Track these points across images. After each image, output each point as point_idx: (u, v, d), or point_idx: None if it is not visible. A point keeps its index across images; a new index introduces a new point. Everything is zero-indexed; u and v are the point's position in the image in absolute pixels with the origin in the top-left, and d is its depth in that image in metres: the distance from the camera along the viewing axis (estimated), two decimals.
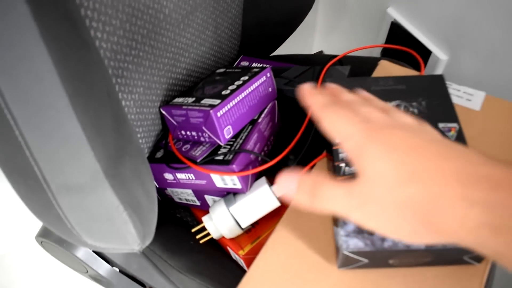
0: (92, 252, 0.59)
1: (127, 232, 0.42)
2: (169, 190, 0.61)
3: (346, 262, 0.41)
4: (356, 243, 0.39)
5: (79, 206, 0.38)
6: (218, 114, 0.51)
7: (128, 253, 0.61)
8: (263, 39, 0.78)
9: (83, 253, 0.58)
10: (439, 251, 0.39)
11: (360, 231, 0.40)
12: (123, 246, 0.44)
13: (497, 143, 0.50)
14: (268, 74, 0.58)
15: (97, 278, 0.63)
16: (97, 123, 0.35)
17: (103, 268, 0.59)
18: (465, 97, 0.56)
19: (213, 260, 0.58)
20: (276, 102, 0.61)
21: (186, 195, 0.60)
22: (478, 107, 0.55)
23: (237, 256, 0.55)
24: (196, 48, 0.61)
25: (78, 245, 0.58)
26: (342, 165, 0.43)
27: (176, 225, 0.63)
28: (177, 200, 0.63)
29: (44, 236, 0.59)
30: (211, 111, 0.50)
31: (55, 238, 0.58)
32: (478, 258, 0.41)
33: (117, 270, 0.61)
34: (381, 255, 0.40)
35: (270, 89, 0.59)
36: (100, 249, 0.44)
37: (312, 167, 0.50)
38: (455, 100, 0.55)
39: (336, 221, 0.42)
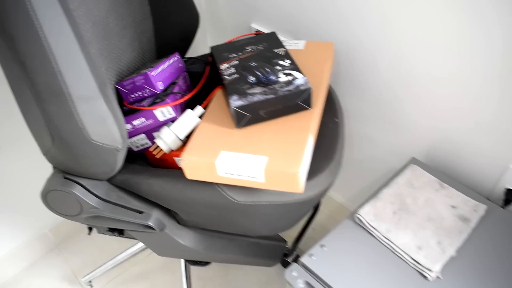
0: (85, 190, 0.88)
1: (114, 131, 0.75)
2: (129, 142, 0.93)
3: (238, 119, 0.78)
4: (238, 102, 0.76)
5: (88, 111, 0.71)
6: (153, 73, 0.87)
7: (108, 187, 0.91)
8: (175, 47, 1.15)
9: (78, 189, 0.86)
10: (282, 97, 0.77)
11: (241, 97, 0.77)
12: (112, 142, 0.77)
13: (313, 64, 0.92)
14: (178, 56, 0.96)
15: (87, 218, 0.91)
16: (92, 65, 0.70)
17: (93, 200, 0.88)
18: (294, 45, 0.98)
19: (168, 170, 0.90)
20: (186, 73, 0.98)
21: (141, 140, 0.93)
22: (302, 47, 0.97)
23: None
24: (131, 51, 0.98)
25: (76, 181, 0.87)
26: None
27: (140, 165, 0.95)
28: (136, 149, 0.95)
29: (49, 187, 0.87)
30: (148, 72, 0.86)
31: (59, 182, 0.86)
32: (308, 103, 0.79)
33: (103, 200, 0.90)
34: (254, 107, 0.77)
35: (180, 65, 0.97)
36: (99, 146, 0.75)
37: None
38: (288, 47, 0.97)
39: (227, 97, 0.79)
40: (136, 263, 1.38)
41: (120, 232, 1.00)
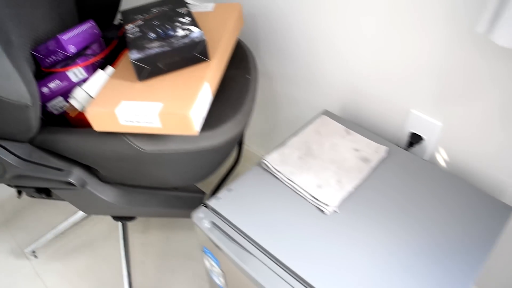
0: (5, 150, 0.92)
1: (20, 87, 0.79)
2: (49, 106, 0.98)
3: (138, 72, 0.83)
4: (136, 55, 0.81)
5: None
6: (64, 37, 0.91)
7: (30, 148, 0.95)
8: (99, 17, 1.19)
9: (0, 151, 0.90)
10: (178, 49, 0.81)
11: (140, 51, 0.82)
12: (20, 99, 0.81)
13: (218, 22, 0.97)
14: (92, 23, 1.01)
15: (11, 178, 0.95)
16: None
17: (15, 160, 0.92)
18: (203, 8, 1.03)
19: (84, 129, 0.94)
20: (102, 39, 1.02)
21: (60, 103, 0.97)
22: (211, 9, 1.02)
23: None
24: (50, 21, 1.02)
25: None
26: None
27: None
28: (56, 112, 0.99)
29: None
30: (58, 36, 0.91)
31: None
32: (205, 55, 0.85)
33: (24, 160, 0.94)
34: (152, 59, 0.82)
35: (95, 31, 1.01)
36: (6, 102, 0.79)
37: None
38: (197, 9, 1.02)
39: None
40: (80, 234, 1.43)
41: (48, 194, 1.04)
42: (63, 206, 1.52)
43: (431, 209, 0.83)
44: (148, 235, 1.41)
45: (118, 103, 0.80)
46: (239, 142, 1.17)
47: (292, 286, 0.73)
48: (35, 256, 1.35)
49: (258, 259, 0.77)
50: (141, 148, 0.84)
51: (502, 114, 0.83)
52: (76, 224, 1.45)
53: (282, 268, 0.75)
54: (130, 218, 1.21)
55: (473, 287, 0.90)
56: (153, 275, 1.30)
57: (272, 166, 0.91)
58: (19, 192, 1.06)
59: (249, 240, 0.79)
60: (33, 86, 0.82)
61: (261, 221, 0.81)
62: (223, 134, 0.89)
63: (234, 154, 1.50)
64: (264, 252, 0.77)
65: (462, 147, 0.93)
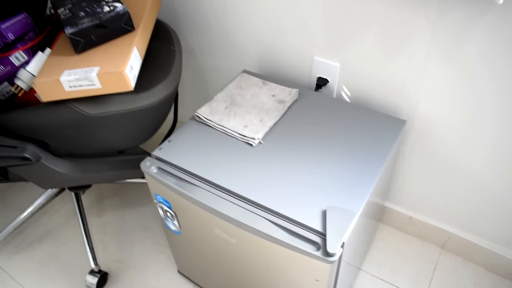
0: None
1: None
2: None
3: (75, 45, 0.95)
4: (71, 30, 0.94)
5: None
6: (3, 26, 1.02)
7: None
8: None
9: None
10: (106, 21, 0.95)
11: (73, 26, 0.94)
12: None
13: (139, 1, 1.11)
14: (25, 14, 1.12)
15: None
16: None
17: None
18: None
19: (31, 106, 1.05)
20: (36, 28, 1.14)
21: (5, 88, 1.08)
22: None
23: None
24: None
25: None
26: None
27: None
28: (3, 97, 1.09)
29: None
30: None
31: None
32: (131, 25, 0.99)
33: None
34: (85, 32, 0.95)
35: (29, 21, 1.12)
36: None
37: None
38: None
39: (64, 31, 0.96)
40: (37, 227, 1.50)
41: (5, 177, 1.13)
42: (15, 204, 1.59)
43: (339, 131, 1.02)
44: (104, 217, 1.51)
45: (61, 73, 0.92)
46: (175, 106, 1.31)
47: (233, 203, 0.88)
48: None
49: (202, 188, 0.91)
50: (86, 113, 0.97)
51: (382, 46, 1.03)
52: (32, 217, 1.52)
53: (222, 191, 0.90)
54: (85, 188, 1.31)
55: (372, 187, 1.09)
56: (114, 249, 1.41)
57: (204, 117, 1.06)
58: None
59: (191, 175, 0.94)
60: None
61: (200, 160, 0.96)
62: (157, 94, 1.03)
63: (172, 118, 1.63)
64: (206, 182, 0.92)
65: (360, 81, 1.13)
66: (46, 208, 1.56)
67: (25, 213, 1.40)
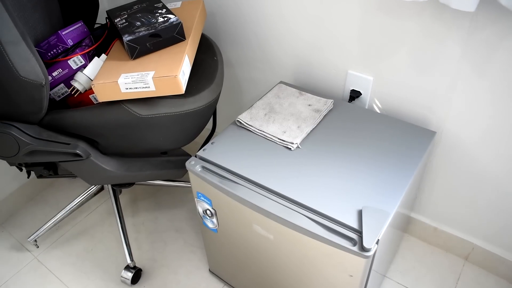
0: (19, 130, 1.09)
1: (37, 69, 0.99)
2: (52, 93, 1.17)
3: (131, 52, 1.04)
4: (129, 37, 1.03)
5: (15, 52, 0.95)
6: (63, 33, 1.12)
7: (39, 129, 1.13)
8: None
9: (14, 130, 1.08)
10: (161, 30, 1.04)
11: (130, 34, 1.03)
12: (37, 78, 1.00)
13: (186, 14, 1.20)
14: (82, 23, 1.22)
15: (24, 155, 1.12)
16: (13, 17, 0.94)
17: (28, 138, 1.10)
18: (173, 5, 1.26)
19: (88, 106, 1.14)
20: (91, 36, 1.23)
21: (61, 90, 1.17)
22: (179, 6, 1.25)
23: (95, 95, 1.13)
24: (44, 25, 1.22)
25: (12, 124, 1.08)
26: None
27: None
28: (58, 99, 1.18)
29: None
30: (59, 32, 1.11)
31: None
32: (183, 35, 1.07)
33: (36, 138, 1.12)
34: (141, 40, 1.03)
35: (85, 29, 1.22)
36: (27, 82, 0.99)
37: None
38: (169, 6, 1.25)
39: (121, 39, 1.05)
40: (74, 225, 1.58)
41: (55, 172, 1.22)
42: (55, 203, 1.67)
43: (371, 140, 1.08)
44: (138, 217, 1.58)
45: (118, 76, 1.00)
46: (213, 113, 1.38)
47: (273, 200, 0.94)
48: (37, 246, 1.50)
49: (244, 186, 0.98)
50: (138, 114, 1.05)
51: (414, 61, 1.10)
52: (70, 215, 1.60)
53: (263, 189, 0.97)
54: (128, 185, 1.39)
55: (405, 191, 1.14)
56: (147, 248, 1.47)
57: (245, 122, 1.13)
58: (28, 173, 1.23)
59: (233, 174, 1.00)
60: (45, 68, 1.02)
61: (242, 161, 1.03)
62: (202, 99, 1.11)
63: (211, 125, 1.71)
64: (247, 181, 0.99)
65: (391, 94, 1.19)
66: (83, 207, 1.64)
67: (64, 211, 1.48)
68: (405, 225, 1.35)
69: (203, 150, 1.07)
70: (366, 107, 1.26)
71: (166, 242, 1.48)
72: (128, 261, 1.34)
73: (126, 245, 1.36)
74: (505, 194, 1.17)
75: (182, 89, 0.99)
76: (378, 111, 1.25)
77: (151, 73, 0.98)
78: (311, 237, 0.89)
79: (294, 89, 1.24)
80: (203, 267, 1.39)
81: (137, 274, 1.36)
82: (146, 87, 0.99)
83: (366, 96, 1.24)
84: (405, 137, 1.08)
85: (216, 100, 1.17)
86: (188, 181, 1.59)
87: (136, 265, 1.41)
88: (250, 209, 0.96)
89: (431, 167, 1.27)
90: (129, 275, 1.33)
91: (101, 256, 1.45)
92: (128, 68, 1.03)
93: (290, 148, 1.05)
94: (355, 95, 1.25)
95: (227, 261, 1.23)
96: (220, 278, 1.35)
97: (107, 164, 1.16)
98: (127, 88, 0.99)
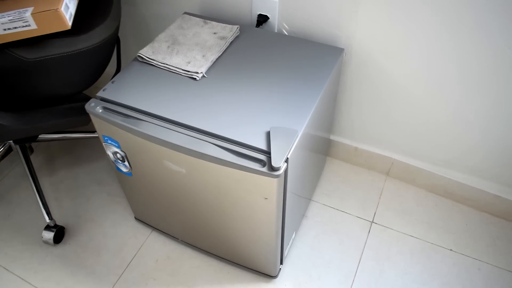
0: None
1: None
2: None
3: None
4: None
5: None
6: None
7: None
8: None
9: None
10: None
11: None
12: None
13: None
14: None
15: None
16: None
17: None
18: None
19: None
20: None
21: None
22: None
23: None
24: None
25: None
26: None
27: None
28: None
29: None
30: None
31: None
32: None
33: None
34: None
35: None
36: None
37: None
38: None
39: None
40: None
41: None
42: None
43: (279, 62, 1.05)
44: (56, 176, 1.50)
45: None
46: (118, 52, 1.30)
47: (180, 133, 0.90)
48: None
49: (149, 122, 0.92)
50: (24, 57, 0.95)
51: None
52: None
53: (169, 123, 0.92)
54: (32, 140, 1.30)
55: (313, 108, 1.12)
56: (69, 205, 1.41)
57: (146, 57, 1.06)
58: None
59: (137, 111, 0.95)
60: None
61: (145, 97, 0.97)
62: (97, 36, 1.03)
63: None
64: (152, 116, 0.93)
65: (298, 15, 1.16)
66: None
67: None
68: (325, 148, 1.37)
69: (103, 90, 1.00)
70: (275, 31, 1.22)
71: (89, 196, 1.42)
72: (47, 220, 1.27)
73: (43, 204, 1.29)
74: (415, 106, 1.20)
75: (68, 24, 0.90)
76: (287, 34, 1.22)
77: (30, 9, 0.88)
78: (222, 164, 0.86)
79: (199, 19, 1.18)
80: (129, 216, 1.35)
81: (60, 232, 1.30)
82: (26, 26, 0.89)
83: (274, 19, 1.20)
84: (313, 56, 1.06)
85: (113, 37, 1.09)
86: None
87: (59, 223, 1.35)
88: (158, 145, 0.91)
89: (345, 87, 1.27)
90: (50, 234, 1.27)
91: (20, 221, 1.37)
92: (4, 7, 0.92)
93: (195, 78, 1.01)
94: (262, 19, 1.21)
95: (149, 206, 1.19)
96: (147, 224, 1.32)
97: (2, 119, 1.06)
98: (5, 29, 0.89)
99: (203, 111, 0.92)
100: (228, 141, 0.87)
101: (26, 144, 1.37)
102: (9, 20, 0.88)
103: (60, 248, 1.29)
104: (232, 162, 0.84)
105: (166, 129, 0.90)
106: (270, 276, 1.20)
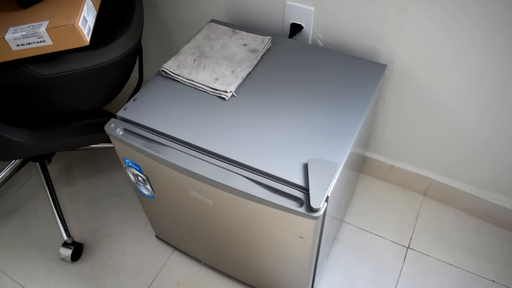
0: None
1: None
2: None
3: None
4: None
5: None
6: None
7: None
8: None
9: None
10: None
11: None
12: None
13: None
14: None
15: None
16: None
17: None
18: None
19: None
20: None
21: None
22: None
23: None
24: None
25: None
26: None
27: None
28: None
29: None
30: None
31: None
32: None
33: None
34: None
35: None
36: None
37: None
38: None
39: None
40: (4, 201, 1.42)
41: None
42: None
43: (316, 79, 0.95)
44: (74, 186, 1.43)
45: (6, 30, 0.82)
46: (139, 63, 1.21)
47: (207, 162, 0.81)
48: None
49: (173, 148, 0.84)
50: (39, 74, 0.87)
51: None
52: None
53: (195, 150, 0.84)
54: (49, 156, 1.23)
55: (355, 136, 1.04)
56: (87, 219, 1.34)
57: (171, 71, 0.97)
58: None
59: (160, 135, 0.87)
60: None
61: (169, 118, 0.88)
62: (117, 49, 0.94)
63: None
64: (177, 141, 0.85)
65: (336, 25, 1.05)
66: (11, 181, 1.47)
67: None
68: (360, 165, 1.27)
69: (124, 109, 0.92)
70: (310, 43, 1.12)
71: (107, 209, 1.35)
72: (65, 237, 1.21)
73: (61, 220, 1.23)
74: (459, 125, 1.09)
75: (86, 40, 0.82)
76: (323, 46, 1.11)
77: (45, 23, 0.80)
78: (253, 200, 0.77)
79: (227, 28, 1.09)
80: (149, 233, 1.28)
81: (78, 250, 1.23)
82: (40, 41, 0.81)
83: (308, 29, 1.10)
84: (353, 73, 0.96)
85: (135, 48, 1.00)
86: None
87: (77, 239, 1.29)
88: (182, 174, 0.83)
89: (384, 103, 1.16)
90: (68, 252, 1.21)
91: (37, 234, 1.31)
92: (18, 20, 0.85)
93: (224, 98, 0.92)
94: (296, 29, 1.11)
95: (172, 227, 1.12)
96: (168, 243, 1.25)
97: (17, 136, 0.99)
98: (18, 45, 0.82)
99: (232, 137, 0.83)
100: (260, 173, 0.79)
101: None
102: (22, 35, 0.80)
103: (77, 265, 1.23)
104: (265, 200, 0.76)
105: (192, 157, 0.82)
106: None
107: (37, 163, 1.29)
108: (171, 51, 1.44)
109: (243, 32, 1.07)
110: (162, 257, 1.23)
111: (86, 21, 0.83)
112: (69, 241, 1.22)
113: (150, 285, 1.18)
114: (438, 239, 1.24)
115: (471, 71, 0.96)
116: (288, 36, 1.14)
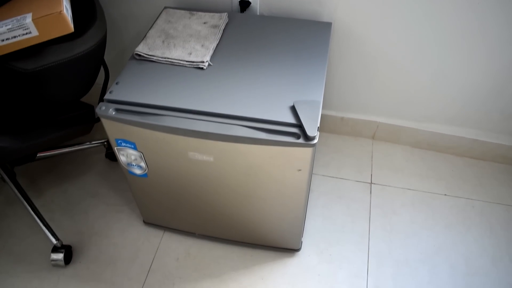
0: None
1: None
2: None
3: None
4: None
5: None
6: None
7: None
8: None
9: None
10: None
11: None
12: None
13: None
14: None
15: None
16: None
17: None
18: None
19: None
20: None
21: None
22: None
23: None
24: None
25: None
26: None
27: None
28: None
29: None
30: None
31: None
32: None
33: None
34: None
35: None
36: None
37: None
38: None
39: None
40: None
41: None
42: None
43: (276, 43, 1.08)
44: (45, 196, 1.42)
45: None
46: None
47: (206, 121, 0.90)
48: None
49: (168, 116, 0.92)
50: (23, 69, 0.90)
51: None
52: None
53: (190, 113, 0.92)
54: (30, 159, 1.23)
55: (324, 80, 1.16)
56: (69, 224, 1.35)
57: (144, 53, 1.04)
58: None
59: (153, 107, 0.93)
60: None
61: (156, 92, 0.95)
62: (91, 38, 0.99)
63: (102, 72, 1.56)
64: (171, 110, 0.93)
65: None
66: None
67: None
68: None
69: (110, 92, 0.97)
70: (258, 14, 1.24)
71: (87, 211, 1.37)
72: (54, 241, 1.22)
73: (45, 225, 1.23)
74: (398, 71, 1.28)
75: (71, 27, 0.87)
76: (271, 15, 1.25)
77: (29, 15, 0.84)
78: (256, 143, 0.88)
79: (183, 11, 1.18)
80: (136, 222, 1.33)
81: (68, 252, 1.24)
82: (26, 33, 0.85)
83: (255, 3, 1.22)
84: (305, 33, 1.10)
85: (105, 37, 1.06)
86: (89, 142, 1.46)
87: (64, 243, 1.29)
88: (184, 136, 0.91)
89: (329, 60, 1.32)
90: (59, 255, 1.22)
91: (18, 250, 1.29)
92: None
93: (202, 68, 1.01)
94: (245, 5, 1.23)
95: (162, 205, 1.18)
96: (158, 226, 1.30)
97: (2, 141, 1.00)
98: (3, 40, 0.85)
99: (221, 96, 0.93)
100: (256, 121, 0.89)
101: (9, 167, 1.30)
102: (7, 29, 0.84)
103: (71, 268, 1.24)
104: (267, 139, 0.86)
105: (190, 120, 0.91)
106: (293, 250, 1.23)
107: (4, 176, 1.27)
108: (123, 48, 1.49)
109: (200, 13, 1.17)
110: (155, 239, 1.28)
111: (67, 9, 0.88)
112: (59, 245, 1.23)
113: (150, 267, 1.22)
114: (393, 171, 1.42)
115: (402, 19, 1.14)
116: (239, 11, 1.25)
